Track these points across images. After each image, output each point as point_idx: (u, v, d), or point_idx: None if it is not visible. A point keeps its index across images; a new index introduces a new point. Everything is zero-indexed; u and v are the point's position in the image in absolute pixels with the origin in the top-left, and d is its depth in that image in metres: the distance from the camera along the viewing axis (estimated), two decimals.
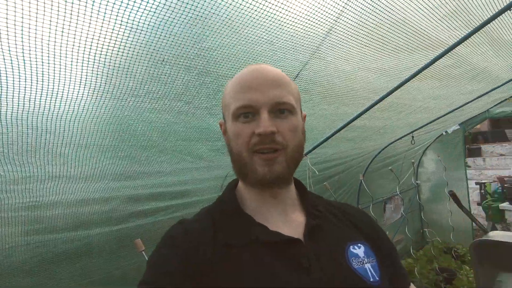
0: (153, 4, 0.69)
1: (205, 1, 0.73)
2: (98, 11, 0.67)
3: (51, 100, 0.84)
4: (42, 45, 0.73)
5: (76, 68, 0.81)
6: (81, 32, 0.73)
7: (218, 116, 1.22)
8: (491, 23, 1.30)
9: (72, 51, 0.77)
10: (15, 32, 0.67)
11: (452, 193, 2.71)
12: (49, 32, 0.70)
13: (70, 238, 1.54)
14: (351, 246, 0.57)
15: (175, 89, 0.97)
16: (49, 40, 0.72)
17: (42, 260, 1.44)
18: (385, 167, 3.65)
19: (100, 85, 0.85)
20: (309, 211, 0.61)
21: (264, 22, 0.86)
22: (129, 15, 0.70)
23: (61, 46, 0.75)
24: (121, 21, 0.70)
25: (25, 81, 0.77)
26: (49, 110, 0.87)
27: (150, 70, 0.86)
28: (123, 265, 1.76)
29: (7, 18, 0.64)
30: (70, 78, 0.83)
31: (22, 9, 0.64)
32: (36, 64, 0.76)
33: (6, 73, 0.73)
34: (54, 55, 0.76)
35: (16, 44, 0.69)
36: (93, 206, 1.53)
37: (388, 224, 3.99)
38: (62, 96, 0.84)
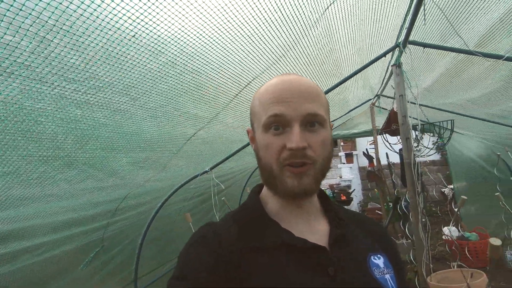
0: None
1: None
2: None
3: None
4: None
5: None
6: None
7: (159, 120, 0.99)
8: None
9: None
10: None
11: None
12: None
13: None
14: (372, 256, 0.59)
15: (130, 77, 0.72)
16: None
17: None
18: None
19: (9, 55, 0.52)
20: (332, 219, 0.61)
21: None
22: None
23: None
24: None
25: None
26: None
27: (109, 46, 0.61)
28: None
29: None
30: None
31: None
32: None
33: None
34: None
35: None
36: None
37: None
38: None
